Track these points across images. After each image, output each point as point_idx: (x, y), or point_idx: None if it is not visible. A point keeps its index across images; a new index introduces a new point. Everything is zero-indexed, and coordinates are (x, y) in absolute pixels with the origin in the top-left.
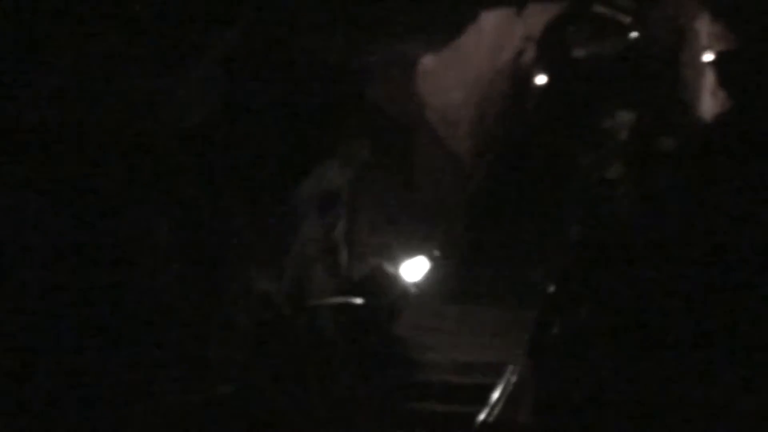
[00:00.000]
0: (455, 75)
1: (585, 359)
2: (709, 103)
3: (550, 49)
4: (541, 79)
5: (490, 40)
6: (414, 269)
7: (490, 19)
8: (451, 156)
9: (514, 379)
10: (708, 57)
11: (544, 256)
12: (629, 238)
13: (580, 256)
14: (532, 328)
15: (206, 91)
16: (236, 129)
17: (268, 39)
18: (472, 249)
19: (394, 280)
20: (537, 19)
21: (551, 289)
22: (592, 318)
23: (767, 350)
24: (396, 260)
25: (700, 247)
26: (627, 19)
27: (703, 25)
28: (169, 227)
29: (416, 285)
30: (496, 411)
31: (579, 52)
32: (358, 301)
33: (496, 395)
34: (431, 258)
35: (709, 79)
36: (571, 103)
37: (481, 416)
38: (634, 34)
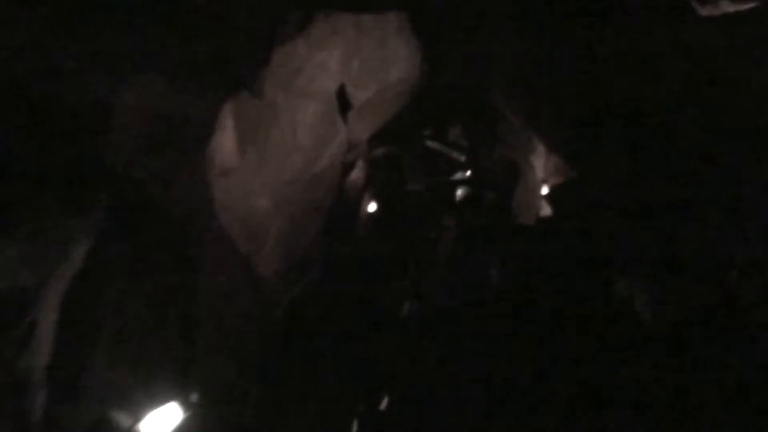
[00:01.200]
0: (263, 176)
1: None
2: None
3: (381, 181)
4: (371, 207)
5: (308, 140)
6: (161, 421)
7: (308, 117)
8: (251, 275)
9: None
10: (544, 190)
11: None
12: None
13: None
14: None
15: None
16: None
17: None
18: (258, 392)
19: None
20: (363, 126)
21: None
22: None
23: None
24: (135, 407)
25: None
26: (461, 157)
27: (539, 161)
28: None
29: None
30: None
31: (413, 185)
32: None
33: None
34: (188, 406)
35: (545, 210)
36: (400, 229)
37: None
38: (467, 172)
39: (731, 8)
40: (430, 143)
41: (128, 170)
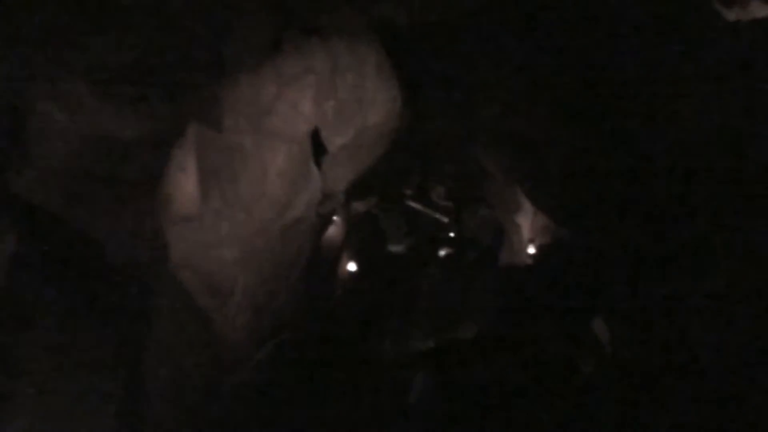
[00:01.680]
0: (228, 225)
1: None
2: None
3: (361, 241)
4: (350, 266)
5: (279, 187)
6: None
7: (278, 161)
8: (215, 337)
9: None
10: (531, 249)
11: None
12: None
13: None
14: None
15: None
16: None
17: None
18: None
19: None
20: (339, 173)
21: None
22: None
23: None
24: None
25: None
26: (444, 218)
27: (525, 220)
28: None
29: None
30: None
31: (394, 247)
32: None
33: None
34: None
35: (528, 264)
36: (380, 290)
37: None
38: (451, 233)
39: (764, 12)
40: (411, 203)
41: (48, 203)
